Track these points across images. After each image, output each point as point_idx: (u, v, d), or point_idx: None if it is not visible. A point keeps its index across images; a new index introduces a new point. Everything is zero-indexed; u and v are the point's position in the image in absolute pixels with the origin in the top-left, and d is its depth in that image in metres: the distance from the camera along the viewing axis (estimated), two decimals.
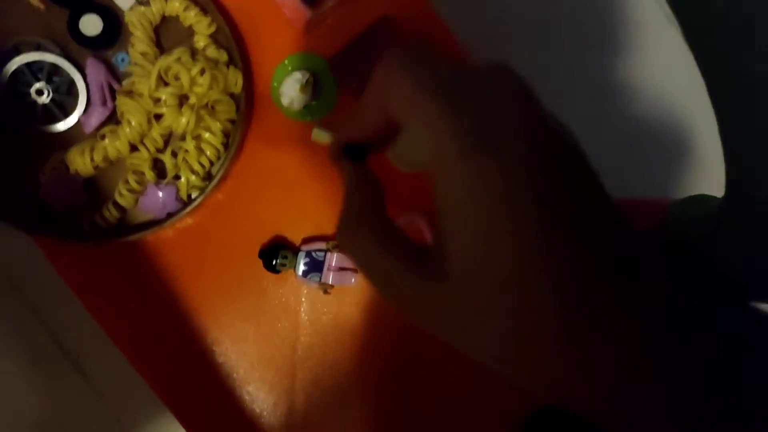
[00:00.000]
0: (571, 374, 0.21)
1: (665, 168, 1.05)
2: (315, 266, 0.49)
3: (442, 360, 0.51)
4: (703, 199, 0.54)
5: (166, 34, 0.48)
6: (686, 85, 0.98)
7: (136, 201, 0.48)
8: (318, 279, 0.49)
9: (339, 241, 0.25)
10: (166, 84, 0.46)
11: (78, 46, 0.47)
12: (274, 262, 0.48)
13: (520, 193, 0.20)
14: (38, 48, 0.46)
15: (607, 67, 1.04)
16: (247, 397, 0.51)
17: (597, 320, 0.20)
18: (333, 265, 0.49)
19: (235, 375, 0.51)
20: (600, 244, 0.20)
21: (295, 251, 0.49)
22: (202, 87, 0.45)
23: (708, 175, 1.00)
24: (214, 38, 0.48)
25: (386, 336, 0.52)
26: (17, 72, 0.46)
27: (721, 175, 0.31)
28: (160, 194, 0.47)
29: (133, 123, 0.45)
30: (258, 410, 0.51)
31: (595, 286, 0.20)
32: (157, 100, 0.46)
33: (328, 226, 0.51)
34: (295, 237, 0.50)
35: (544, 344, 0.20)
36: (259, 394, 0.51)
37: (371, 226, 0.24)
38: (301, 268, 0.49)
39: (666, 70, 1.02)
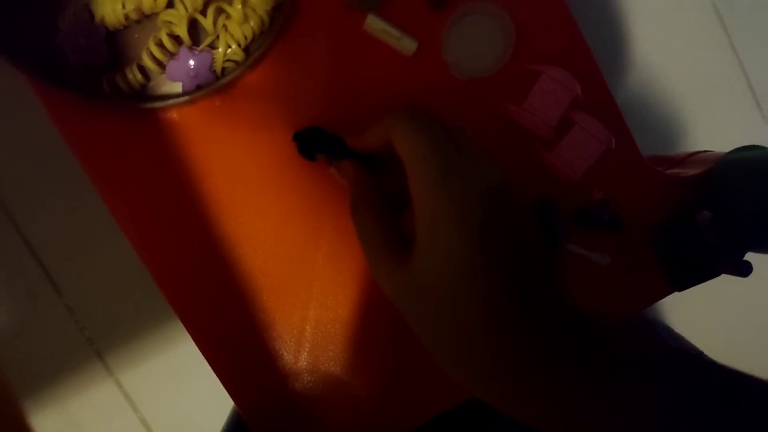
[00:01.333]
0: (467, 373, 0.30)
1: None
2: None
3: None
4: (752, 147, 0.52)
5: None
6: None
7: (164, 67, 0.42)
8: None
9: (352, 215, 0.36)
10: None
11: None
12: (312, 147, 0.43)
13: (470, 218, 0.30)
14: None
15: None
16: (259, 302, 0.47)
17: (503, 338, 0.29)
18: None
19: (247, 276, 0.46)
20: (518, 276, 0.30)
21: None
22: None
23: None
24: None
25: None
26: None
27: None
28: (192, 62, 0.42)
29: None
30: (269, 317, 0.47)
31: (507, 303, 0.29)
32: None
33: (370, 119, 0.46)
34: (334, 129, 0.46)
35: (461, 335, 0.30)
36: (273, 299, 0.47)
37: (369, 207, 0.35)
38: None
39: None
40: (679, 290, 0.52)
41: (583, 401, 0.28)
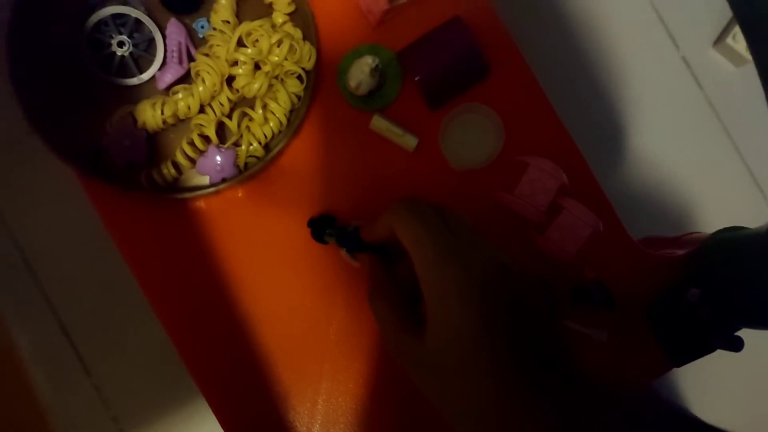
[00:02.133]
0: None
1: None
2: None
3: None
4: (736, 228, 0.55)
5: (246, 9, 0.50)
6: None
7: (194, 163, 0.48)
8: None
9: (369, 304, 0.39)
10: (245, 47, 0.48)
11: (162, 8, 0.49)
12: (324, 232, 0.48)
13: (469, 295, 0.32)
14: (124, 2, 0.48)
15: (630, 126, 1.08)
16: (274, 376, 0.50)
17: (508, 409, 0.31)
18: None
19: (265, 351, 0.50)
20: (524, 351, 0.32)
21: (344, 226, 0.49)
22: (278, 56, 0.47)
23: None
24: (292, 18, 0.50)
25: None
26: (101, 22, 0.47)
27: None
28: (218, 158, 0.48)
29: (207, 83, 0.46)
30: (284, 390, 0.50)
31: (513, 381, 0.31)
32: (233, 63, 0.47)
33: (377, 208, 0.51)
34: (344, 216, 0.51)
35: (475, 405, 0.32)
36: (288, 374, 0.50)
37: (383, 297, 0.38)
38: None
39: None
40: (677, 366, 0.54)
41: None
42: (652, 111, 1.07)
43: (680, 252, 0.56)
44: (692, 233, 0.63)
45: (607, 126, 1.05)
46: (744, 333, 0.50)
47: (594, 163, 0.54)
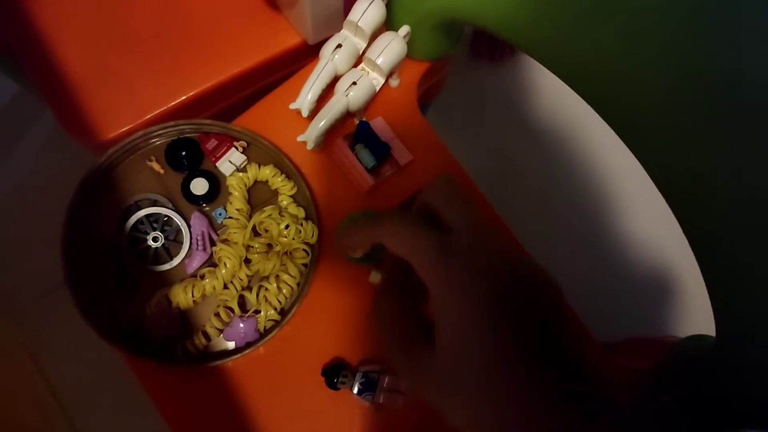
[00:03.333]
0: None
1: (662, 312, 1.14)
2: (369, 386, 0.56)
3: None
4: (702, 338, 0.63)
5: (256, 194, 0.60)
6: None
7: (221, 332, 0.57)
8: (371, 397, 0.56)
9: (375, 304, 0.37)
10: (258, 234, 0.57)
11: (186, 202, 0.58)
12: (335, 380, 0.56)
13: (476, 298, 0.29)
14: (155, 203, 0.58)
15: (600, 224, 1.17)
16: None
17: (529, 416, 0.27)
18: (386, 385, 0.56)
19: None
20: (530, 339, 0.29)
21: (353, 371, 0.57)
22: (286, 238, 0.56)
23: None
24: (295, 198, 0.60)
25: None
26: (137, 222, 0.57)
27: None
28: (242, 326, 0.56)
29: (228, 266, 0.55)
30: None
31: (529, 383, 0.28)
32: (248, 247, 0.56)
33: (382, 352, 0.59)
34: (353, 361, 0.59)
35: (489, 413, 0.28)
36: None
37: (395, 293, 0.36)
38: (357, 386, 0.56)
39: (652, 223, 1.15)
40: None
41: None
42: (631, 204, 1.17)
43: (649, 361, 0.63)
44: (669, 336, 0.71)
45: (588, 229, 1.14)
46: None
47: (566, 274, 0.62)
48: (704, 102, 0.34)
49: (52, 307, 0.50)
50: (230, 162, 0.59)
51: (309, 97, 0.56)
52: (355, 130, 0.60)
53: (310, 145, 0.57)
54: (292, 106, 0.57)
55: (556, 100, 1.21)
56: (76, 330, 0.53)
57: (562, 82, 0.45)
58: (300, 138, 0.57)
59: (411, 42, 0.60)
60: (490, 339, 0.28)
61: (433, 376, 0.31)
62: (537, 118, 1.20)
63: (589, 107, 0.44)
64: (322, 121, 0.56)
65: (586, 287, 1.03)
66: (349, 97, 0.56)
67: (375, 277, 0.59)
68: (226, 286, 0.56)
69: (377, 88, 0.59)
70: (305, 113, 0.56)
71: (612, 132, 0.42)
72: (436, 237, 0.32)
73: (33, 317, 1.02)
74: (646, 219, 1.16)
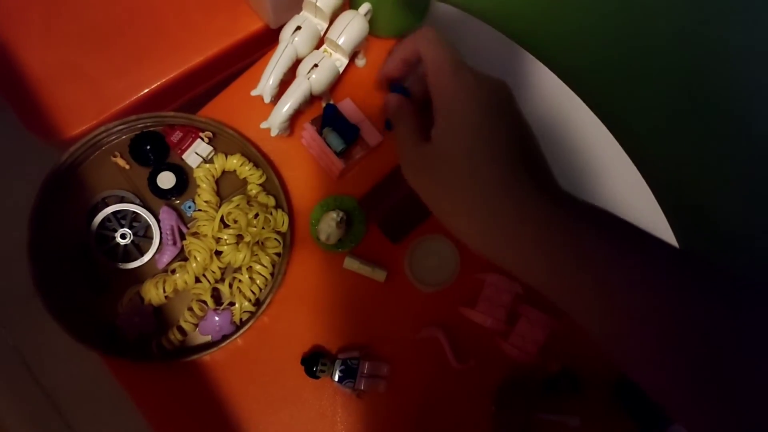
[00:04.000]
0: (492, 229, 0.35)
1: None
2: (350, 373, 0.56)
3: None
4: None
5: (225, 185, 0.59)
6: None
7: (197, 326, 0.56)
8: (352, 385, 0.55)
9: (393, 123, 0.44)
10: (227, 225, 0.56)
11: (154, 197, 0.57)
12: (314, 369, 0.55)
13: (480, 99, 0.37)
14: (122, 199, 0.57)
15: None
16: None
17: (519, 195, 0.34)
18: (365, 372, 0.56)
19: None
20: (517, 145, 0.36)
21: (332, 359, 0.56)
22: (256, 227, 0.55)
23: None
24: (264, 186, 0.59)
25: None
26: (104, 220, 0.56)
27: None
28: (217, 319, 0.56)
29: (198, 259, 0.54)
30: None
31: (516, 170, 0.35)
32: (218, 239, 0.55)
33: (361, 338, 0.58)
34: (332, 348, 0.58)
35: (482, 209, 0.35)
36: None
37: (405, 114, 0.43)
38: (338, 374, 0.55)
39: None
40: None
41: (565, 253, 0.32)
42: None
43: None
44: None
45: None
46: None
47: None
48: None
49: (41, 308, 0.49)
50: (197, 153, 0.58)
51: (270, 81, 0.54)
52: (322, 114, 0.59)
53: (274, 132, 0.56)
54: (254, 92, 0.55)
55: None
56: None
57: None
58: (263, 125, 0.56)
59: (374, 19, 0.58)
60: (481, 127, 0.36)
61: (428, 160, 0.38)
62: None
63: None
64: (285, 106, 0.54)
65: None
66: (311, 79, 0.55)
67: (350, 264, 0.58)
68: (198, 280, 0.56)
69: (341, 69, 0.58)
70: (267, 99, 0.55)
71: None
72: (459, 58, 0.39)
73: (22, 320, 1.02)
74: (622, 189, 1.14)
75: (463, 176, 0.36)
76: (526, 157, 0.36)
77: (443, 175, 0.37)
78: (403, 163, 0.41)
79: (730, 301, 0.29)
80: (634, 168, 0.67)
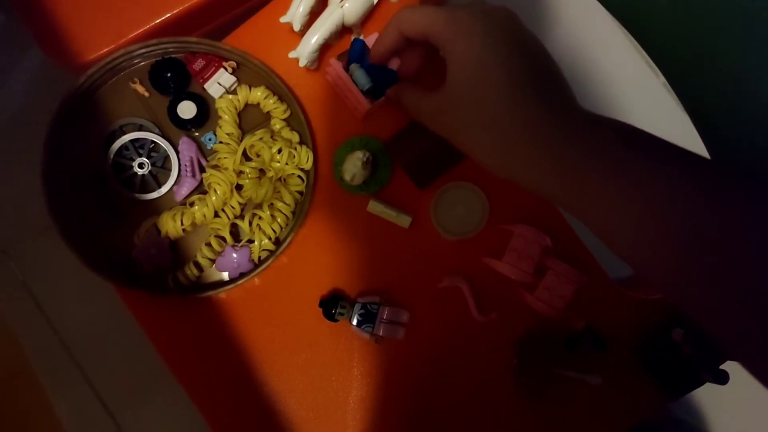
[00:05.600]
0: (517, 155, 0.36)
1: None
2: (369, 318, 0.54)
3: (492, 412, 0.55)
4: None
5: (247, 119, 0.57)
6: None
7: (214, 262, 0.54)
8: (371, 330, 0.54)
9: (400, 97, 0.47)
10: (249, 159, 0.54)
11: (174, 127, 0.55)
12: (333, 311, 0.53)
13: (492, 30, 0.37)
14: (141, 128, 0.54)
15: None
16: None
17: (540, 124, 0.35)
18: (385, 317, 0.54)
19: (291, 424, 0.55)
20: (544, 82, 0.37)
21: (351, 303, 0.55)
22: (279, 163, 0.53)
23: None
24: (288, 122, 0.56)
25: (429, 387, 0.56)
26: (122, 148, 0.54)
27: None
28: (235, 256, 0.54)
29: (218, 192, 0.52)
30: None
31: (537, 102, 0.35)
32: (239, 173, 0.53)
33: (381, 284, 0.56)
34: (351, 293, 0.56)
35: (501, 132, 0.36)
36: None
37: (410, 86, 0.46)
38: (356, 318, 0.54)
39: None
40: (671, 401, 0.58)
41: (590, 176, 0.32)
42: None
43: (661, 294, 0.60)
44: None
45: None
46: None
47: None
48: None
49: (54, 244, 0.48)
50: (219, 84, 0.55)
51: (301, 9, 0.51)
52: (349, 49, 0.56)
53: (302, 62, 0.53)
54: (283, 19, 0.52)
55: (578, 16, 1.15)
56: (75, 268, 0.51)
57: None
58: (291, 54, 0.53)
59: None
60: (488, 64, 0.36)
61: (442, 101, 0.40)
62: (560, 36, 1.14)
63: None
64: (315, 36, 0.52)
65: None
66: (344, 8, 0.52)
67: (374, 207, 0.56)
68: (217, 214, 0.54)
69: (375, 0, 0.54)
70: (297, 26, 0.52)
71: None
72: (447, 8, 0.39)
73: (32, 256, 1.01)
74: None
75: (485, 111, 0.37)
76: (539, 77, 0.37)
77: (464, 113, 0.38)
78: (421, 115, 0.44)
79: None
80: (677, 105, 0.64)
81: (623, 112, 1.14)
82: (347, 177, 0.55)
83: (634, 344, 0.59)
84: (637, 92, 1.15)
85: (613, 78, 1.14)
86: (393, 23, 0.43)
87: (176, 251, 0.55)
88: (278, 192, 0.54)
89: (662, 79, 1.15)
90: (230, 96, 0.55)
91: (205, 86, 0.55)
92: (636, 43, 0.58)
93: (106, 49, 0.59)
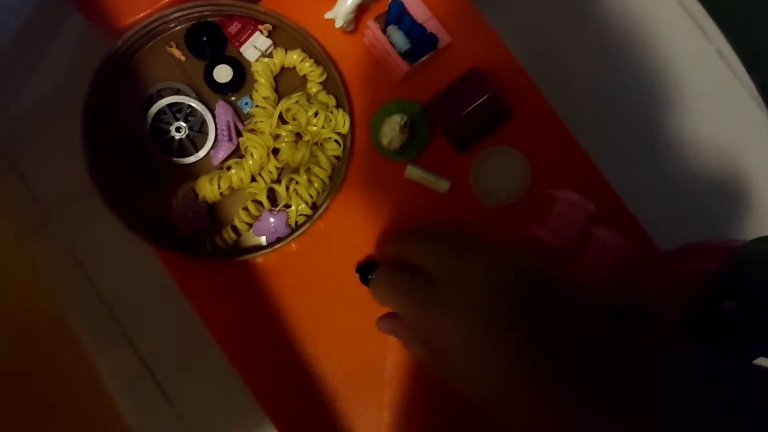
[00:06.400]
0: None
1: (728, 216, 1.07)
2: None
3: None
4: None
5: (284, 82, 0.56)
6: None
7: (251, 226, 0.54)
8: None
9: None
10: (285, 122, 0.53)
11: (210, 91, 0.55)
12: (370, 276, 0.53)
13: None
14: (178, 92, 0.54)
15: (667, 122, 1.08)
16: (339, 411, 0.55)
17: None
18: None
19: (328, 388, 0.55)
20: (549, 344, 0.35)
21: None
22: (316, 126, 0.52)
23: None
24: (324, 85, 0.55)
25: None
26: (160, 112, 0.53)
27: None
28: (272, 220, 0.54)
29: (255, 156, 0.52)
30: (349, 424, 0.55)
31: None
32: (276, 137, 0.53)
33: None
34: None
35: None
36: (351, 408, 0.55)
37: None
38: None
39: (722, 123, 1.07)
40: None
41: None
42: (688, 103, 1.07)
43: (714, 264, 0.58)
44: (733, 240, 0.65)
45: (642, 119, 1.06)
46: None
47: (624, 179, 0.56)
48: None
49: (95, 207, 0.49)
50: (255, 47, 0.55)
51: None
52: (387, 10, 0.55)
53: (338, 23, 0.52)
54: None
55: None
56: (115, 232, 0.52)
57: None
58: (327, 15, 0.52)
59: None
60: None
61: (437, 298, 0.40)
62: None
63: None
64: None
65: (647, 191, 0.97)
66: None
67: (412, 172, 0.55)
68: (254, 179, 0.53)
69: None
70: None
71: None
72: (416, 294, 0.42)
73: (77, 221, 1.03)
74: (712, 120, 1.06)
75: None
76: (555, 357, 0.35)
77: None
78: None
79: None
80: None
81: (673, 82, 1.09)
82: (385, 141, 0.54)
83: (683, 317, 0.56)
84: (687, 59, 1.09)
85: (660, 42, 1.09)
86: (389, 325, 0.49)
87: (214, 215, 0.55)
88: (315, 156, 0.53)
89: (715, 44, 1.10)
90: (266, 59, 0.54)
91: (241, 50, 0.55)
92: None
93: (143, 13, 0.59)
